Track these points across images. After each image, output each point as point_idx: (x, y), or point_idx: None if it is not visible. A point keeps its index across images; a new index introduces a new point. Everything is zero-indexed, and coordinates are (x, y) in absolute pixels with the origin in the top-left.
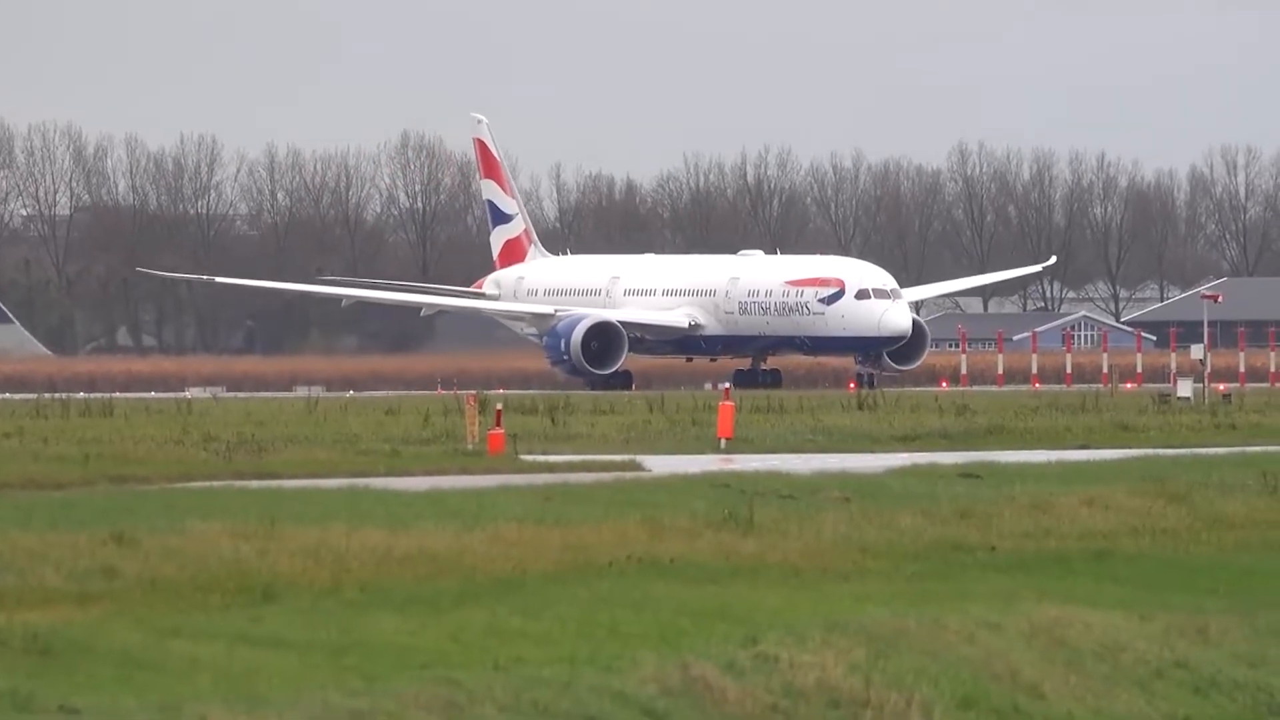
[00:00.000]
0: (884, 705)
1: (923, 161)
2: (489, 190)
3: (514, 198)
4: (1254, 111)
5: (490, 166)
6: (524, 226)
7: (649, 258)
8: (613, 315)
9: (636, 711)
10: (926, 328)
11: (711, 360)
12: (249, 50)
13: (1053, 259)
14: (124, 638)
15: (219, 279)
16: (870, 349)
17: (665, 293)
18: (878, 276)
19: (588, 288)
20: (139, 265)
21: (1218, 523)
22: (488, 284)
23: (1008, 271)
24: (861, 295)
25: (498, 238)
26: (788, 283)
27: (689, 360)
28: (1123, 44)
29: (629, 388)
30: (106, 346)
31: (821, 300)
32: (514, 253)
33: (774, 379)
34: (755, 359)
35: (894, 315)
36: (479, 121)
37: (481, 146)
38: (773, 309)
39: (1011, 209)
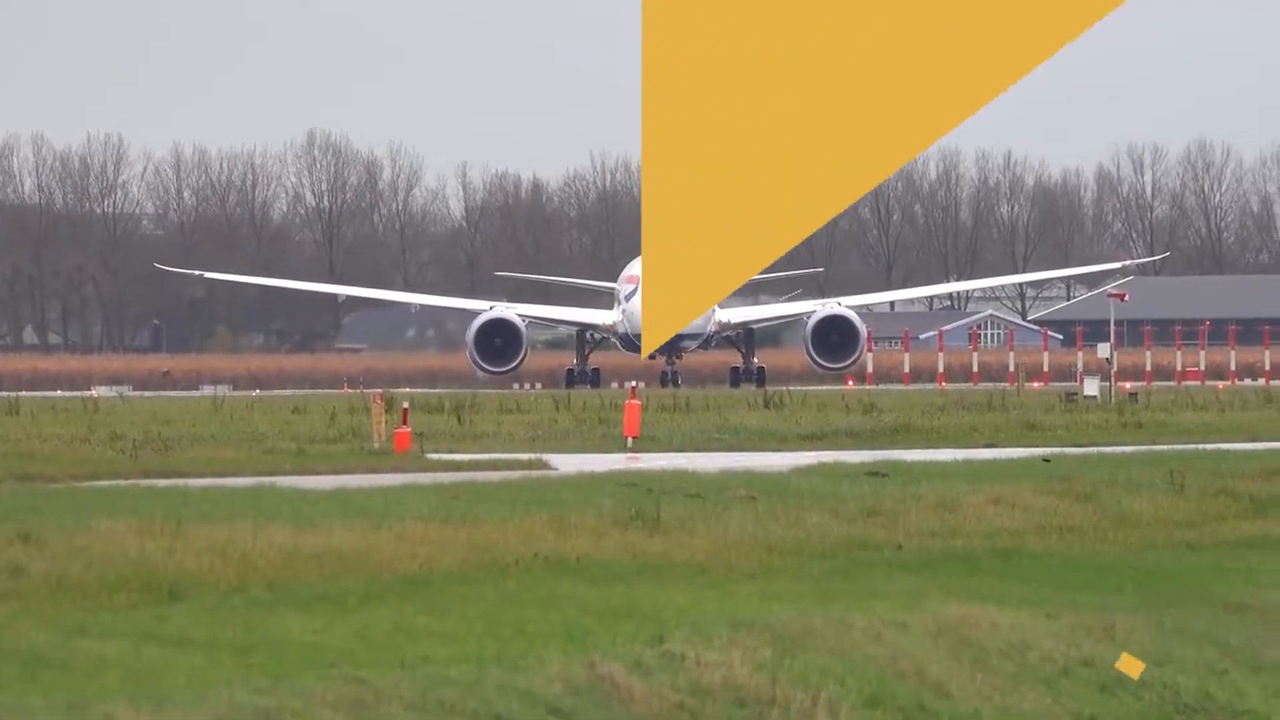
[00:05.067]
0: (790, 704)
1: None
2: None
3: None
4: (1161, 110)
5: None
6: None
7: None
8: (519, 312)
9: (543, 710)
10: (860, 325)
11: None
12: (155, 48)
13: (1167, 254)
14: (30, 636)
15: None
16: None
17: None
18: None
19: None
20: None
21: (1124, 521)
22: None
23: (1092, 266)
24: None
25: None
26: (625, 278)
27: (653, 359)
28: None
29: (597, 386)
30: (12, 345)
31: (626, 297)
32: None
33: (761, 377)
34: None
35: None
36: None
37: None
38: (624, 305)
39: (918, 208)
